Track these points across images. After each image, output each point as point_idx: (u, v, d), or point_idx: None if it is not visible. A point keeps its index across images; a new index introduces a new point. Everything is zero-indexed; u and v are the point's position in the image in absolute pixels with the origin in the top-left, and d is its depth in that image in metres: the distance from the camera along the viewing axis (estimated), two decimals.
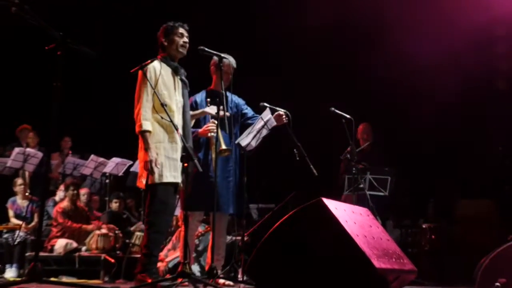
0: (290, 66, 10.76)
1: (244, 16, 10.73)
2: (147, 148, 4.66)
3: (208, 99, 5.53)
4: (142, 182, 4.76)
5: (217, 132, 5.23)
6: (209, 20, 10.41)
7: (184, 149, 4.54)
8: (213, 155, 5.26)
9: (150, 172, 4.64)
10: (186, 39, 5.02)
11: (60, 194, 8.97)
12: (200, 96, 5.74)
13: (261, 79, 9.64)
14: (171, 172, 4.75)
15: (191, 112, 5.24)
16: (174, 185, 4.83)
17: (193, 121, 5.37)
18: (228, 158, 5.55)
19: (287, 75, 10.63)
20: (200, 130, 5.49)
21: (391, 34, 9.51)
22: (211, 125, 5.29)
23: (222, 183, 5.50)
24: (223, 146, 5.23)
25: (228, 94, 5.79)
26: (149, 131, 4.69)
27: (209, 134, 5.35)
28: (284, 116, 5.60)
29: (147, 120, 4.70)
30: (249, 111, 5.85)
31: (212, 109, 5.36)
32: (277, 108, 5.68)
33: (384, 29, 9.70)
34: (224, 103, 5.15)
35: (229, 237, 8.12)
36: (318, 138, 9.48)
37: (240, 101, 5.91)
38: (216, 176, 5.28)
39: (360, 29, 10.29)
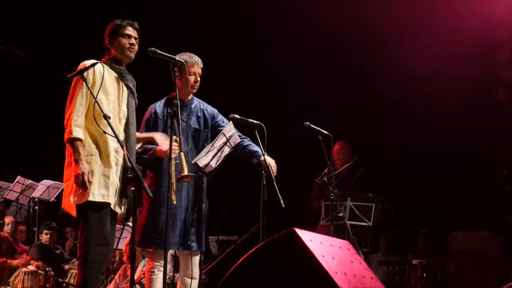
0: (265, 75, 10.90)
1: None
2: (77, 160, 4.55)
3: (170, 111, 5.35)
4: (67, 203, 4.66)
5: (180, 148, 5.15)
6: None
7: (132, 170, 4.47)
8: (173, 180, 5.21)
9: (83, 187, 4.53)
10: (133, 41, 4.93)
11: None
12: (161, 106, 5.68)
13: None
14: (100, 190, 4.64)
15: (138, 134, 5.18)
16: (108, 209, 4.71)
17: (138, 144, 5.29)
18: (197, 183, 5.55)
19: (261, 84, 10.77)
20: (158, 148, 5.40)
21: (388, 43, 9.78)
22: (174, 144, 5.14)
23: (182, 215, 5.50)
24: (186, 172, 5.15)
25: (196, 101, 5.79)
26: (80, 140, 4.60)
27: (172, 155, 5.03)
28: (274, 167, 5.60)
29: (78, 127, 4.60)
30: (224, 124, 5.81)
31: (164, 143, 5.17)
32: (250, 120, 5.68)
33: (380, 37, 9.92)
34: (179, 115, 5.01)
35: None
36: (293, 157, 9.57)
37: (213, 110, 5.87)
38: (168, 206, 5.17)
39: (354, 37, 10.48)
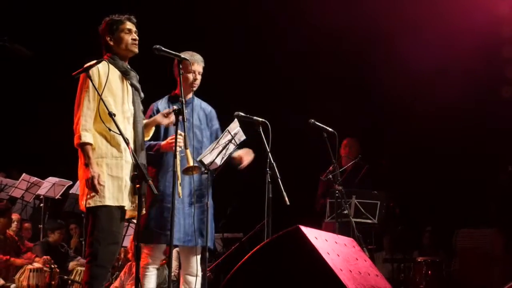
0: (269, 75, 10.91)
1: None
2: (87, 164, 4.61)
3: (175, 109, 5.38)
4: (83, 205, 4.72)
5: (185, 146, 5.14)
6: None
7: (137, 167, 4.48)
8: (178, 174, 5.21)
9: (93, 191, 4.59)
10: (135, 35, 4.96)
11: None
12: (162, 103, 5.70)
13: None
14: (113, 193, 4.69)
15: (145, 121, 5.20)
16: (120, 209, 4.77)
17: (151, 132, 5.34)
18: (201, 180, 5.54)
19: (266, 84, 10.78)
20: (163, 142, 5.45)
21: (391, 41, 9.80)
22: (178, 137, 5.14)
23: (186, 210, 5.50)
24: (191, 163, 5.15)
25: (197, 100, 5.79)
26: (90, 144, 4.65)
27: (178, 149, 5.05)
28: (250, 155, 5.64)
29: (87, 131, 4.64)
30: (216, 127, 5.82)
31: (164, 120, 5.20)
32: (254, 118, 5.69)
33: (383, 34, 9.93)
34: (184, 114, 5.02)
35: None
36: (298, 155, 9.57)
37: (212, 111, 5.87)
38: (173, 200, 5.17)
39: (358, 34, 10.48)
